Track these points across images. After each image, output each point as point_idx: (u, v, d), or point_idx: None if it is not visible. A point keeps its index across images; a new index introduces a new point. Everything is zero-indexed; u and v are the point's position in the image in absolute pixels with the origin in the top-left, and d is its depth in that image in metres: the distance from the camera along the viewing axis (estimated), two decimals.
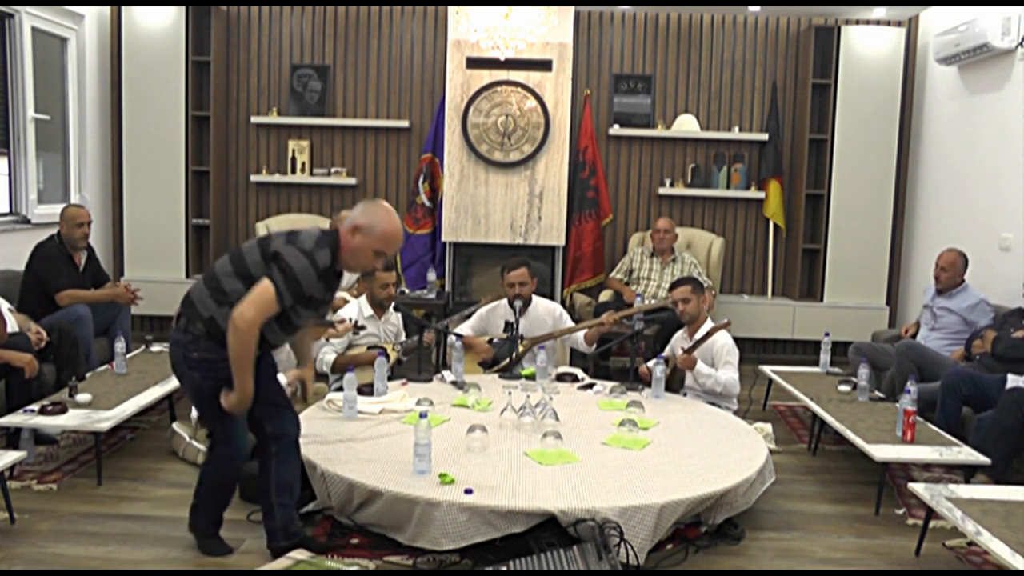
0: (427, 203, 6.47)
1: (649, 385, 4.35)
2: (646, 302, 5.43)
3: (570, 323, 4.90)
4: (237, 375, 2.74)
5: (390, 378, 4.26)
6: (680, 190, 6.75)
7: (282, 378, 4.04)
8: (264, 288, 2.71)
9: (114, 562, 3.04)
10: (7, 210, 5.61)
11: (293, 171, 6.78)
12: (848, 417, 4.06)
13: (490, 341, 4.86)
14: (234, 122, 6.84)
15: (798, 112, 6.77)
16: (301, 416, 3.74)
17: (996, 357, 4.30)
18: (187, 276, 6.58)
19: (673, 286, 4.75)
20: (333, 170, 6.78)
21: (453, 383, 4.35)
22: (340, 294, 5.43)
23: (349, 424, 3.67)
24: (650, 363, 4.54)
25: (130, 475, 3.87)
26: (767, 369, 5.17)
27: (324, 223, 5.73)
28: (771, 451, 3.75)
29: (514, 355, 4.68)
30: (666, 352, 4.74)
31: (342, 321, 4.37)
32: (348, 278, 5.59)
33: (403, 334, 4.85)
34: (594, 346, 4.88)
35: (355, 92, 6.82)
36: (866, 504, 3.75)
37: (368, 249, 2.83)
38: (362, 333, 4.58)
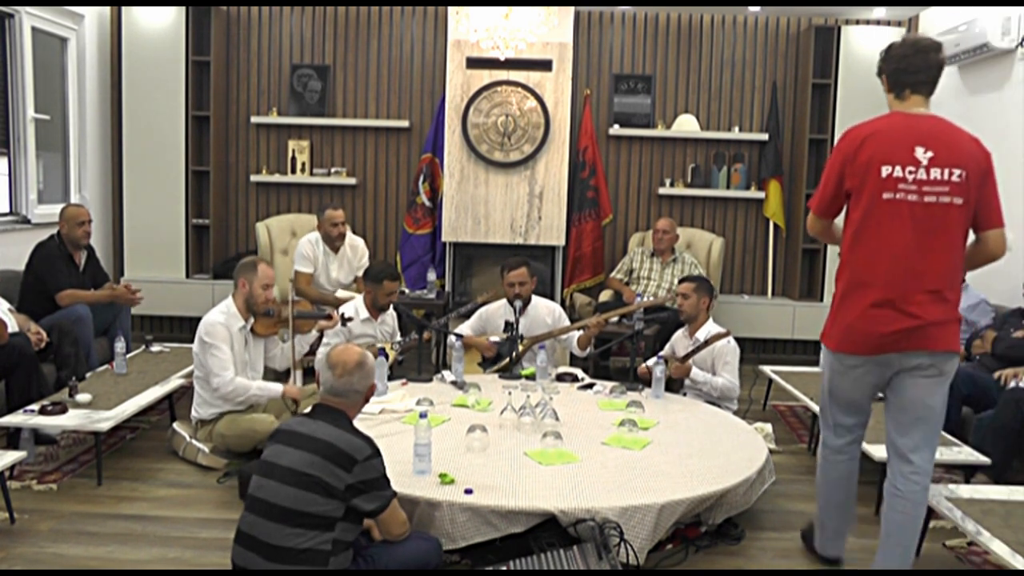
0: (427, 203, 6.47)
1: (649, 384, 4.35)
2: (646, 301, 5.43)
3: (568, 323, 4.91)
4: None
5: (390, 378, 4.27)
6: (680, 190, 6.75)
7: (279, 387, 4.03)
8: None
9: (114, 562, 3.04)
10: (7, 210, 5.61)
11: (293, 171, 6.78)
12: None
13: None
14: (234, 122, 6.84)
15: (798, 112, 6.77)
16: (300, 413, 3.76)
17: (996, 357, 4.30)
18: (187, 276, 6.59)
19: (681, 280, 4.76)
20: (333, 170, 6.78)
21: (453, 383, 4.35)
22: (341, 293, 5.44)
23: None
24: (649, 362, 4.55)
25: (130, 475, 3.87)
26: (767, 369, 5.17)
27: None
28: (771, 451, 3.75)
29: (514, 355, 4.68)
30: (665, 351, 4.74)
31: (329, 316, 4.37)
32: (348, 275, 5.60)
33: (398, 333, 4.85)
34: (587, 350, 4.88)
35: (355, 92, 6.82)
36: (866, 504, 3.74)
37: None
38: (357, 332, 4.59)
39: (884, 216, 2.71)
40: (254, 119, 6.73)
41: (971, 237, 2.83)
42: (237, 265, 4.07)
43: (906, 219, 2.68)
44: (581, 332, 4.81)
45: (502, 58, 5.58)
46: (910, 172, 2.68)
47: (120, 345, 4.50)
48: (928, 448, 2.81)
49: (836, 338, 2.84)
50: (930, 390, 2.79)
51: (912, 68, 2.75)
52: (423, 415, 3.12)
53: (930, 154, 2.68)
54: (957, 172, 2.68)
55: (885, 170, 2.70)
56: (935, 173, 2.67)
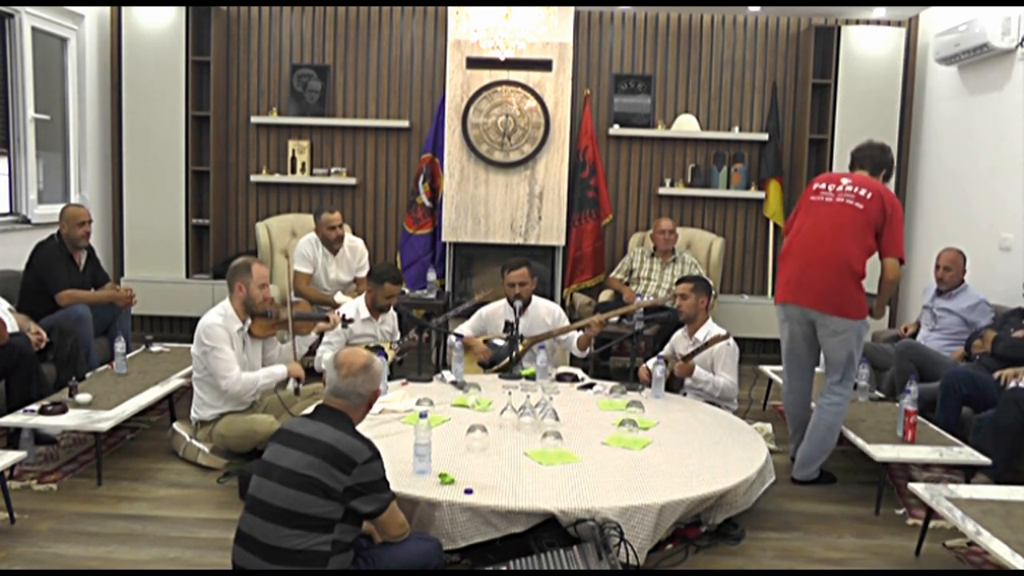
0: (427, 203, 6.47)
1: (649, 385, 4.35)
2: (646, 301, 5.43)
3: (568, 324, 4.91)
4: None
5: (390, 378, 4.27)
6: (680, 190, 6.75)
7: (282, 368, 4.05)
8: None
9: (114, 562, 3.04)
10: (7, 210, 5.61)
11: (293, 171, 6.78)
12: (848, 417, 4.06)
13: (486, 341, 4.86)
14: (234, 122, 6.84)
15: (798, 112, 6.77)
16: (301, 415, 3.76)
17: (996, 357, 4.30)
18: (187, 276, 6.58)
19: (679, 280, 4.77)
20: (333, 170, 6.78)
21: (453, 383, 4.35)
22: (339, 296, 5.45)
23: None
24: (649, 363, 4.55)
25: (130, 475, 3.87)
26: (767, 369, 5.17)
27: None
28: (771, 451, 3.75)
29: (514, 355, 4.68)
30: (665, 351, 4.74)
31: (327, 318, 4.37)
32: (347, 276, 5.59)
33: (398, 333, 4.85)
34: (587, 350, 4.88)
35: (355, 92, 6.81)
36: (866, 504, 3.75)
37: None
38: (358, 332, 4.59)
39: (807, 210, 3.94)
40: (254, 119, 6.73)
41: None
42: (229, 269, 4.06)
43: (820, 213, 3.87)
44: (581, 332, 4.81)
45: (502, 58, 5.58)
46: (832, 187, 3.91)
47: (120, 345, 4.50)
48: (845, 381, 3.93)
49: (776, 294, 4.04)
50: (833, 346, 3.86)
51: (860, 155, 4.02)
52: (423, 415, 3.12)
53: (849, 182, 3.90)
54: (864, 191, 3.81)
55: (816, 186, 3.98)
56: (849, 189, 3.86)
